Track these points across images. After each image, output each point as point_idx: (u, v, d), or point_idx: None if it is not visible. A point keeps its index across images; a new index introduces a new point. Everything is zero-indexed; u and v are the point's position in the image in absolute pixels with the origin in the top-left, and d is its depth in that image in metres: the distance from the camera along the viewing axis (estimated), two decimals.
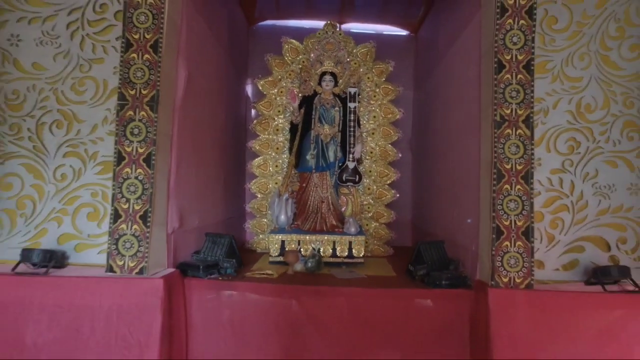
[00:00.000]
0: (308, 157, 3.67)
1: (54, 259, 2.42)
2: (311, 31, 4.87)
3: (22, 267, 2.40)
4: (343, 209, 3.83)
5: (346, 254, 3.42)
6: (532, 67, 2.47)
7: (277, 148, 3.99)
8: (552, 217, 2.63)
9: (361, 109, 3.92)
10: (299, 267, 3.12)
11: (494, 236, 2.42)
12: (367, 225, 3.99)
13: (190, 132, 2.95)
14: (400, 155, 4.06)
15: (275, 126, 3.99)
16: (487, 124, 2.55)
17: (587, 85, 2.66)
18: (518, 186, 2.43)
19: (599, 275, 2.44)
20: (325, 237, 3.45)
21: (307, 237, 3.44)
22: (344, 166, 3.65)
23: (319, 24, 4.94)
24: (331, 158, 3.69)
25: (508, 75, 2.46)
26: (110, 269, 2.38)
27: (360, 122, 3.90)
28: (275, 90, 3.98)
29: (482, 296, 2.43)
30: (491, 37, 2.51)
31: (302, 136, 3.70)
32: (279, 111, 3.99)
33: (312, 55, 3.84)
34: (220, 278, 2.73)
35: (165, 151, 2.57)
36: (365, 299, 2.62)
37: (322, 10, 4.84)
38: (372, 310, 2.59)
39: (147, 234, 2.38)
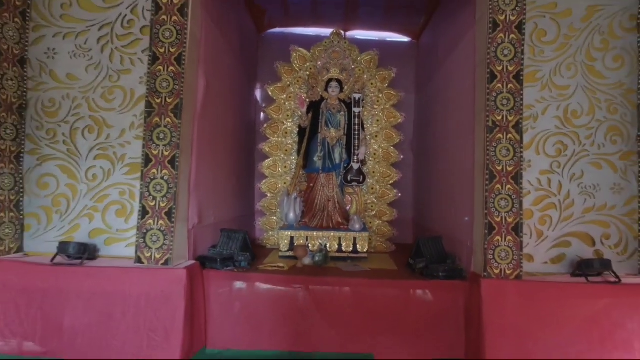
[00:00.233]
0: (315, 158, 3.91)
1: (88, 252, 2.69)
2: (317, 38, 5.17)
3: (59, 259, 2.66)
4: (348, 207, 4.07)
5: (351, 249, 3.66)
6: (522, 77, 2.70)
7: (286, 150, 4.24)
8: (541, 214, 2.86)
9: (365, 113, 4.16)
10: (307, 260, 3.36)
11: (486, 231, 2.65)
12: (370, 222, 4.23)
13: (207, 136, 3.21)
14: (402, 157, 4.30)
15: (285, 129, 4.24)
16: (480, 128, 2.79)
17: (574, 93, 2.89)
18: (508, 186, 2.66)
19: (583, 268, 2.67)
20: (332, 234, 3.70)
21: (315, 234, 3.69)
22: (349, 167, 3.89)
23: (325, 31, 5.24)
24: (337, 160, 3.93)
25: (499, 85, 2.69)
26: (138, 260, 2.64)
27: (365, 126, 4.14)
28: (284, 96, 4.23)
29: (475, 286, 2.66)
30: (484, 49, 2.75)
31: (309, 139, 3.95)
32: (287, 115, 4.24)
33: (319, 63, 4.09)
34: (235, 270, 2.97)
35: (187, 154, 2.82)
36: (368, 289, 2.86)
37: (328, 18, 5.07)
38: (375, 299, 2.82)
39: (172, 229, 2.64)
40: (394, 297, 2.83)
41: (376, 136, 4.26)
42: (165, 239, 2.63)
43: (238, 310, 2.82)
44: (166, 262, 2.62)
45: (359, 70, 4.19)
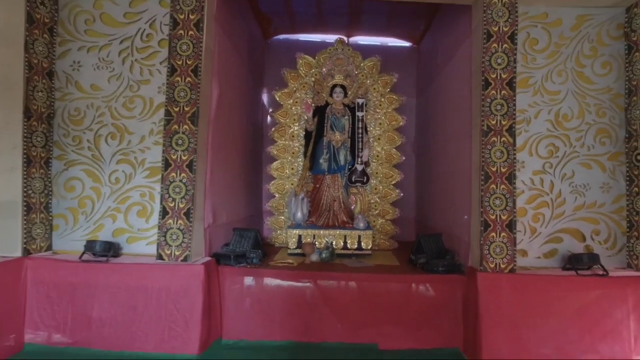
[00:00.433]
0: (321, 160, 4.11)
1: (112, 249, 2.90)
2: (321, 44, 5.38)
3: (86, 256, 2.88)
4: (353, 206, 4.26)
5: (356, 246, 3.86)
6: (515, 84, 2.89)
7: (293, 153, 4.45)
8: (534, 212, 3.05)
9: (368, 117, 4.35)
10: (314, 257, 3.56)
11: (482, 228, 2.85)
12: (374, 221, 4.42)
13: (220, 141, 3.41)
14: (403, 158, 4.48)
15: (291, 133, 4.44)
16: (476, 132, 2.98)
17: (565, 97, 3.08)
18: (502, 186, 2.85)
19: (573, 262, 2.85)
20: (337, 232, 3.90)
21: (321, 232, 3.89)
22: (353, 168, 4.08)
23: (329, 37, 5.45)
24: (342, 161, 4.13)
25: (493, 91, 2.88)
26: (159, 256, 2.85)
27: (368, 129, 4.33)
28: (291, 101, 4.43)
29: (472, 279, 2.86)
30: (479, 58, 2.93)
31: (315, 142, 4.15)
32: (294, 119, 4.44)
33: (324, 69, 4.28)
34: (248, 266, 3.18)
35: (203, 158, 3.03)
36: (372, 284, 3.05)
37: (332, 25, 5.26)
38: (379, 293, 3.01)
39: (190, 228, 2.85)
40: (396, 290, 3.02)
41: (379, 139, 4.46)
42: (184, 237, 2.84)
43: (251, 304, 3.02)
44: (185, 259, 2.84)
45: (362, 75, 4.38)
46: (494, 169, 2.85)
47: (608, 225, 3.04)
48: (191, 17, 2.88)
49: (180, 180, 2.85)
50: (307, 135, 4.25)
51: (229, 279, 3.04)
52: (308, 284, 3.01)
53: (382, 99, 4.43)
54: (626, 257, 3.02)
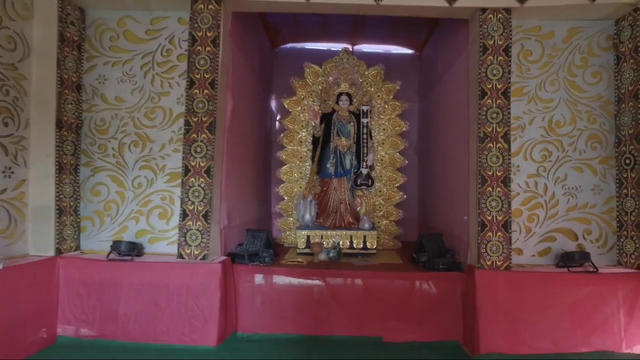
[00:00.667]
0: (328, 165, 4.33)
1: (136, 249, 3.14)
2: (327, 52, 5.61)
3: (112, 255, 3.11)
4: (358, 208, 4.47)
5: (361, 246, 4.07)
6: (509, 94, 3.09)
7: (301, 157, 4.67)
8: (529, 213, 3.24)
9: (372, 123, 4.56)
10: (322, 256, 3.78)
11: (479, 228, 3.05)
12: (378, 222, 4.62)
13: (234, 147, 3.64)
14: (406, 162, 4.69)
15: (299, 139, 4.67)
16: (473, 138, 3.18)
17: (557, 105, 3.27)
18: (498, 189, 3.05)
19: (565, 260, 3.05)
20: (344, 232, 4.11)
21: (329, 232, 4.11)
22: (358, 172, 4.29)
23: (333, 45, 5.69)
24: (348, 165, 4.34)
25: (489, 101, 3.08)
26: (180, 256, 3.08)
27: (372, 135, 4.54)
28: (299, 108, 4.66)
29: (470, 276, 3.05)
30: (476, 69, 3.14)
31: (322, 147, 4.37)
32: (302, 126, 4.66)
33: (330, 78, 4.50)
34: (260, 264, 3.39)
35: (219, 164, 3.26)
36: (377, 280, 3.24)
37: (337, 34, 5.48)
38: (383, 289, 3.21)
39: (208, 229, 3.08)
40: (399, 287, 3.21)
41: (383, 143, 4.67)
42: (202, 238, 3.07)
43: (263, 300, 3.22)
44: (204, 258, 3.06)
45: (367, 83, 4.60)
46: (490, 173, 3.05)
47: (599, 225, 3.23)
48: (208, 34, 3.11)
49: (199, 185, 3.08)
50: (315, 140, 4.47)
51: (243, 276, 3.26)
52: (317, 281, 3.21)
53: (386, 106, 4.64)
54: (616, 255, 3.20)
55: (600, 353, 2.89)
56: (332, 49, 5.68)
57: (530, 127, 3.27)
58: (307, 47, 5.82)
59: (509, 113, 3.08)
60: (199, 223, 3.07)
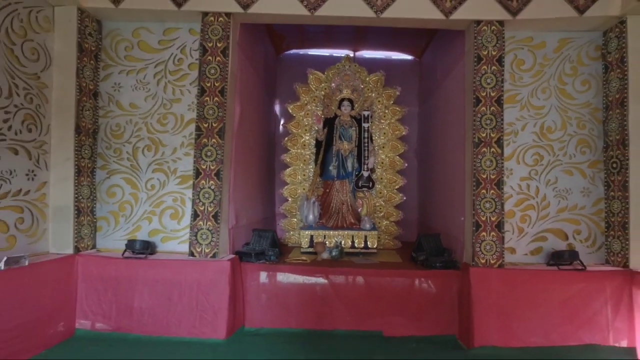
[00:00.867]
0: (331, 167, 4.51)
1: (150, 248, 3.32)
2: (329, 58, 5.79)
3: (127, 253, 3.29)
4: (359, 209, 4.64)
5: (362, 245, 4.25)
6: (502, 101, 3.26)
7: (304, 160, 4.85)
8: (521, 214, 3.42)
9: (373, 127, 4.74)
10: (325, 255, 3.95)
11: (474, 228, 3.22)
12: (379, 223, 4.80)
13: (241, 151, 3.82)
14: (406, 164, 4.87)
15: (303, 142, 4.85)
16: (469, 143, 3.36)
17: (549, 112, 3.45)
18: (492, 191, 3.22)
19: (555, 258, 3.22)
20: (346, 232, 4.29)
21: (331, 232, 4.28)
22: (360, 175, 4.47)
23: (336, 51, 5.87)
24: (349, 168, 4.53)
25: (484, 108, 3.25)
26: (191, 254, 3.26)
27: (373, 138, 4.72)
28: (303, 113, 4.84)
29: (466, 274, 3.22)
30: (471, 78, 3.32)
31: (325, 151, 4.55)
32: (305, 130, 4.85)
33: (332, 84, 4.69)
34: (267, 263, 3.56)
35: (228, 167, 3.44)
36: (378, 278, 3.40)
37: (339, 40, 5.66)
38: (383, 286, 3.37)
39: (218, 229, 3.26)
40: (399, 284, 3.38)
41: (383, 147, 4.85)
42: (212, 237, 3.25)
43: (269, 296, 3.40)
44: (214, 256, 3.25)
45: (368, 89, 4.78)
46: (484, 176, 3.22)
47: (588, 226, 3.40)
48: (218, 45, 3.30)
49: (209, 187, 3.26)
50: (318, 144, 4.65)
51: (250, 274, 3.43)
52: (320, 279, 3.38)
53: (386, 111, 4.82)
54: (605, 254, 3.37)
55: (588, 346, 3.06)
56: (334, 54, 5.87)
57: (523, 133, 3.44)
58: (310, 53, 6.00)
59: (502, 119, 3.25)
60: (209, 223, 3.25)
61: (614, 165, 3.27)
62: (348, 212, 4.51)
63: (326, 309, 3.34)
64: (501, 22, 3.26)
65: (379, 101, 4.82)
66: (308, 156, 4.85)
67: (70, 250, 3.22)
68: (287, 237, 4.88)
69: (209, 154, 3.27)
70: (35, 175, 3.06)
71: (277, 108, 5.87)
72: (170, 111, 3.50)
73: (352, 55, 5.72)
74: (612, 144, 3.29)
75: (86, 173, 3.35)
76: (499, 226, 3.20)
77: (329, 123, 4.58)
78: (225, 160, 3.33)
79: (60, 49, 3.20)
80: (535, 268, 3.24)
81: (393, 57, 6.06)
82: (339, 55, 5.70)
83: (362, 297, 3.35)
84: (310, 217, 4.38)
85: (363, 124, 4.42)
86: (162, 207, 3.48)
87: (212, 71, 3.30)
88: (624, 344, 3.07)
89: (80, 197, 3.29)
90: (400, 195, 4.84)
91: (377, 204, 4.84)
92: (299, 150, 4.86)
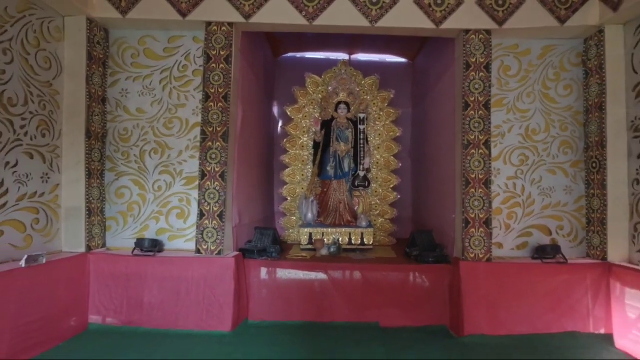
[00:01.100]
0: (328, 167, 4.71)
1: (158, 246, 3.49)
2: (325, 61, 5.97)
3: (136, 251, 3.46)
4: (356, 207, 4.85)
5: (359, 242, 4.45)
6: (489, 106, 3.47)
7: (303, 161, 5.04)
8: (508, 211, 3.63)
9: (368, 129, 4.94)
10: (324, 251, 4.15)
11: (463, 225, 3.43)
12: (375, 220, 5.00)
13: (243, 152, 4.00)
14: (400, 164, 5.07)
15: (301, 143, 5.04)
16: (458, 145, 3.56)
17: (533, 115, 3.66)
18: (480, 190, 3.43)
19: (539, 252, 3.44)
20: (343, 230, 4.49)
21: (329, 230, 4.48)
22: (356, 174, 4.67)
23: (331, 54, 6.05)
24: (346, 168, 4.72)
25: (472, 112, 3.46)
26: (198, 251, 3.44)
27: (368, 139, 4.92)
28: (301, 115, 5.02)
29: (456, 267, 3.43)
30: (460, 83, 3.52)
31: (322, 151, 4.74)
32: (303, 131, 5.03)
33: (329, 87, 4.87)
34: (268, 259, 3.75)
35: (231, 168, 3.61)
36: (374, 272, 3.60)
37: (335, 44, 5.83)
38: (379, 280, 3.57)
39: (222, 227, 3.44)
40: (394, 278, 3.58)
41: (378, 147, 5.05)
42: (217, 235, 3.43)
43: (272, 290, 3.59)
44: (219, 253, 3.43)
45: (363, 92, 4.97)
46: (473, 176, 3.44)
47: (570, 222, 3.63)
48: (221, 53, 3.47)
49: (214, 188, 3.44)
50: (315, 145, 4.84)
51: (253, 269, 3.61)
52: (320, 274, 3.57)
53: (381, 113, 5.02)
54: (586, 248, 3.60)
55: (570, 333, 3.28)
56: (330, 57, 6.05)
57: (509, 134, 3.65)
58: (307, 56, 6.18)
59: (490, 122, 3.46)
60: (214, 222, 3.43)
61: (594, 164, 3.50)
62: (345, 210, 4.71)
63: (325, 302, 3.53)
64: (488, 31, 3.46)
65: (373, 103, 5.02)
66: (306, 157, 5.03)
67: (82, 249, 3.38)
68: (286, 234, 5.07)
69: (213, 156, 3.45)
70: (48, 177, 3.22)
71: (275, 110, 6.04)
72: (175, 115, 3.67)
73: (347, 58, 5.91)
74: (592, 145, 3.52)
75: (96, 175, 3.52)
76: (487, 222, 3.42)
77: (326, 125, 4.77)
78: (228, 162, 3.50)
79: (70, 57, 3.35)
80: (521, 261, 3.46)
81: (387, 60, 6.25)
82: (334, 58, 5.90)
83: (360, 291, 3.54)
84: (309, 215, 4.57)
85: (359, 126, 4.62)
86: (168, 207, 3.64)
87: (216, 78, 3.47)
88: (602, 330, 3.30)
89: (91, 198, 3.45)
90: (395, 193, 5.05)
91: (373, 202, 5.04)
92: (297, 151, 5.04)
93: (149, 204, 3.65)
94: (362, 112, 4.68)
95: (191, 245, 3.55)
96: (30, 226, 3.04)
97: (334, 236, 4.45)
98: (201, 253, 3.44)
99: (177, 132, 3.67)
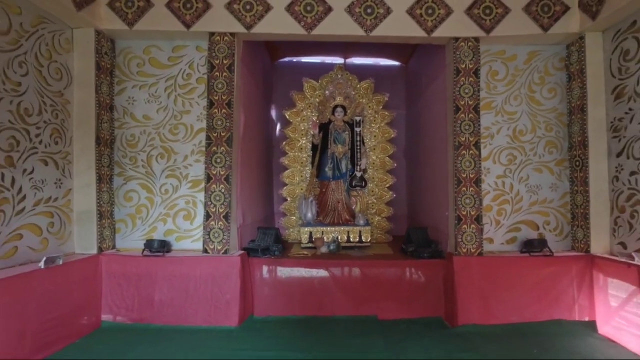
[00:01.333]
0: (326, 169, 4.89)
1: (166, 246, 3.66)
2: (321, 65, 6.15)
3: (146, 252, 3.62)
4: (353, 207, 5.03)
5: (357, 239, 4.64)
6: (479, 109, 3.68)
7: (302, 162, 5.22)
8: (498, 207, 3.84)
9: (364, 131, 5.13)
10: (324, 249, 4.34)
11: (456, 222, 3.64)
12: (372, 218, 5.19)
13: (246, 155, 4.17)
14: (395, 164, 5.27)
15: (300, 146, 5.22)
16: (450, 146, 3.76)
17: (520, 117, 3.87)
18: (471, 188, 3.64)
19: (527, 246, 3.65)
20: (342, 228, 4.68)
21: (328, 229, 4.67)
22: (353, 175, 4.86)
23: (327, 58, 6.24)
24: (343, 169, 4.91)
25: (462, 115, 3.66)
26: (205, 250, 3.61)
27: (364, 141, 5.10)
28: (299, 118, 5.20)
29: (450, 262, 3.63)
30: (451, 89, 3.72)
31: (321, 153, 4.92)
32: (302, 134, 5.21)
33: (326, 91, 5.05)
34: (272, 257, 3.92)
35: (235, 171, 3.78)
36: (372, 268, 3.79)
37: (331, 48, 6.00)
38: (377, 275, 3.76)
39: (228, 228, 3.61)
40: (391, 273, 3.77)
41: (374, 149, 5.24)
42: (223, 235, 3.60)
43: (275, 287, 3.76)
44: (225, 252, 3.60)
45: (359, 95, 5.16)
46: (464, 175, 3.64)
47: (556, 217, 3.84)
48: (225, 62, 3.64)
49: (220, 191, 3.61)
50: (314, 147, 5.02)
51: (257, 267, 3.78)
52: (321, 270, 3.75)
53: (376, 115, 5.22)
54: (571, 241, 3.83)
55: (557, 321, 3.49)
56: (326, 61, 6.24)
57: (498, 136, 3.86)
58: (303, 60, 6.36)
59: (479, 125, 3.67)
60: (220, 223, 3.60)
61: (577, 163, 3.72)
62: (343, 209, 4.90)
63: (326, 297, 3.71)
64: (477, 39, 3.67)
65: (369, 106, 5.21)
66: (305, 159, 5.22)
67: (94, 251, 3.54)
68: (287, 234, 5.24)
69: (218, 160, 3.62)
70: (62, 183, 3.37)
71: (273, 113, 6.21)
72: (180, 122, 3.83)
73: (342, 62, 6.10)
74: (575, 145, 3.74)
75: (105, 180, 3.67)
76: (478, 219, 3.63)
77: (324, 128, 4.95)
78: (233, 166, 3.68)
79: (80, 68, 3.50)
80: (511, 255, 3.67)
81: (381, 63, 6.45)
82: (330, 62, 6.09)
83: (358, 286, 3.72)
84: (309, 215, 4.76)
85: (355, 128, 4.81)
86: (175, 209, 3.81)
87: (220, 86, 3.64)
88: (586, 318, 3.52)
89: (101, 202, 3.61)
90: (391, 193, 5.25)
91: (370, 202, 5.24)
92: (296, 153, 5.22)
93: (156, 206, 3.81)
94: (358, 115, 4.87)
95: (198, 246, 3.72)
96: (46, 229, 3.20)
97: (333, 234, 4.64)
98: (208, 253, 3.61)
99: (183, 137, 3.83)
